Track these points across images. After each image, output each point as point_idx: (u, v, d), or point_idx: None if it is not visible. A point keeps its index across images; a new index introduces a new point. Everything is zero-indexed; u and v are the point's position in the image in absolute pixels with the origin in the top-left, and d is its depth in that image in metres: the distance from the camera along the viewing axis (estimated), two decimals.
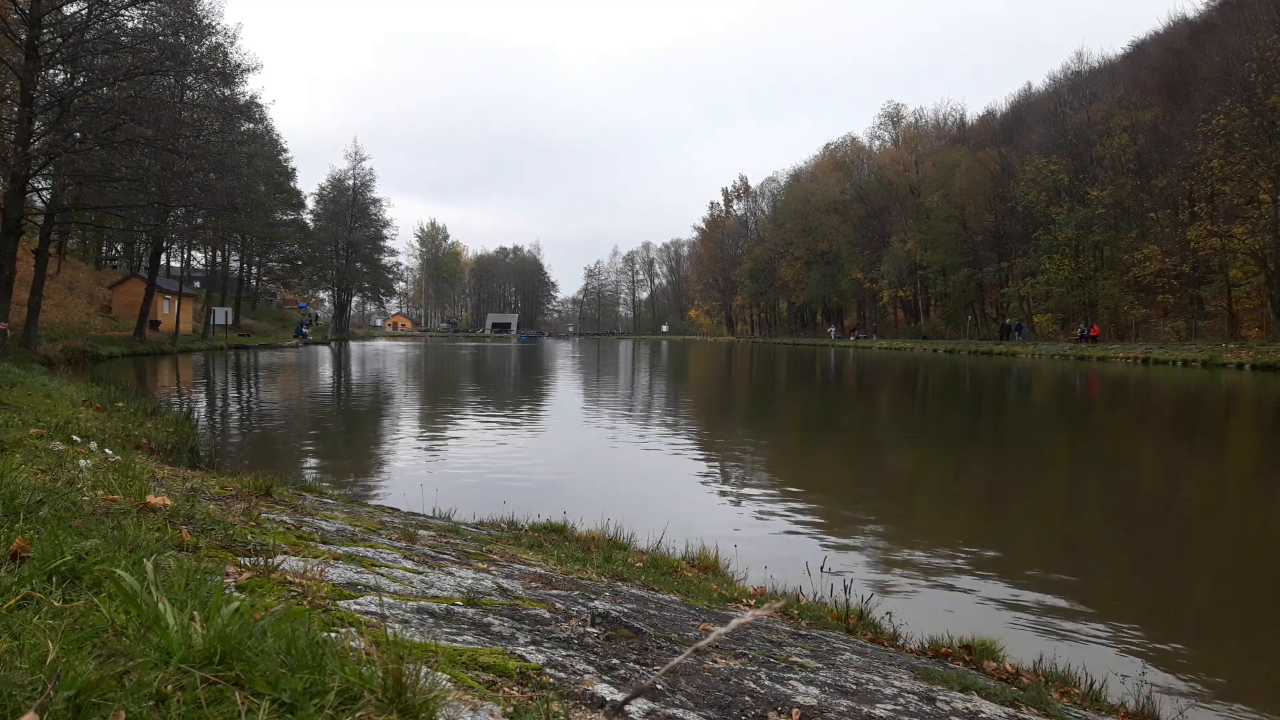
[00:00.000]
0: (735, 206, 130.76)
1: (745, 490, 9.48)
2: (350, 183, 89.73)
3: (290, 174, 71.35)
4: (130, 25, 26.42)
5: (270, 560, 2.43)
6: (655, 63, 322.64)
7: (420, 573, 3.00)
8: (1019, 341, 57.64)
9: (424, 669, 1.43)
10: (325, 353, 52.60)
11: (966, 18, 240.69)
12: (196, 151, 29.58)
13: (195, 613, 1.48)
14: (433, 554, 3.63)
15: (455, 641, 2.04)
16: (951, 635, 3.99)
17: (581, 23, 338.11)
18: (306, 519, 3.92)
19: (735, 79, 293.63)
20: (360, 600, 2.30)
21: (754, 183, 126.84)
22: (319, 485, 7.02)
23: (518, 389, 25.61)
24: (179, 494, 3.54)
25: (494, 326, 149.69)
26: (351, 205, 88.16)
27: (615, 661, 2.19)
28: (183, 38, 32.52)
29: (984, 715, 2.50)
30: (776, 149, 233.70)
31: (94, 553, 1.93)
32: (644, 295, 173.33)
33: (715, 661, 2.42)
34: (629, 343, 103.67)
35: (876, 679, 2.69)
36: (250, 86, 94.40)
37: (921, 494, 9.90)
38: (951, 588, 5.91)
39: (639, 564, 4.97)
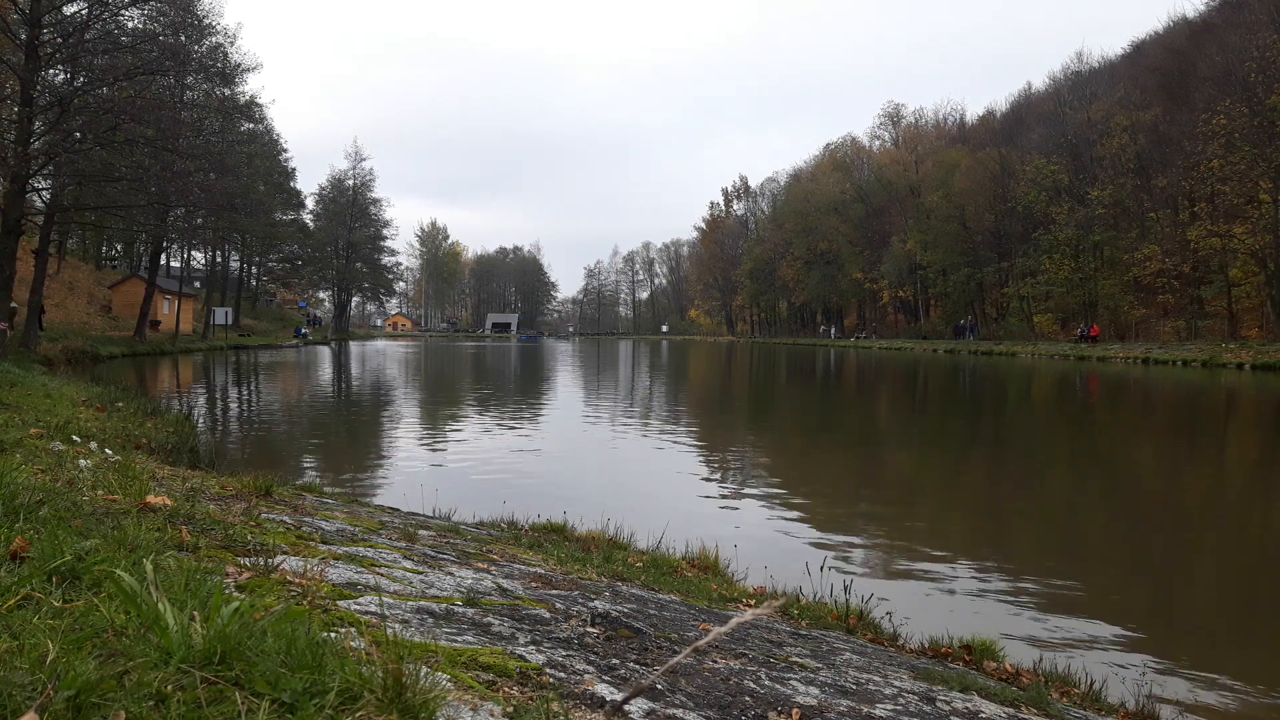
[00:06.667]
0: (735, 206, 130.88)
1: (745, 490, 9.48)
2: (350, 183, 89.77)
3: (290, 174, 71.36)
4: (130, 25, 26.43)
5: (270, 560, 2.43)
6: (657, 67, 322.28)
7: (420, 573, 3.00)
8: (970, 340, 62.73)
9: (424, 669, 1.43)
10: (325, 353, 52.59)
11: (967, 19, 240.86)
12: (196, 151, 29.59)
13: (195, 613, 1.48)
14: (433, 554, 3.63)
15: (455, 641, 2.04)
16: (951, 635, 3.99)
17: (585, 28, 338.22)
18: (306, 519, 3.92)
19: (736, 82, 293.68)
20: (360, 600, 2.30)
21: (754, 183, 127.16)
22: (319, 485, 7.02)
23: (518, 389, 25.61)
24: (179, 494, 3.54)
25: (494, 326, 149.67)
26: (351, 205, 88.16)
27: (615, 661, 2.19)
28: (183, 38, 32.56)
29: (984, 715, 2.50)
30: (776, 149, 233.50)
31: (94, 553, 1.93)
32: (644, 295, 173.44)
33: (715, 661, 2.42)
34: (629, 343, 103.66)
35: (876, 679, 2.69)
36: (250, 86, 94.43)
37: (922, 494, 9.90)
38: (951, 588, 5.91)
39: (639, 564, 4.97)
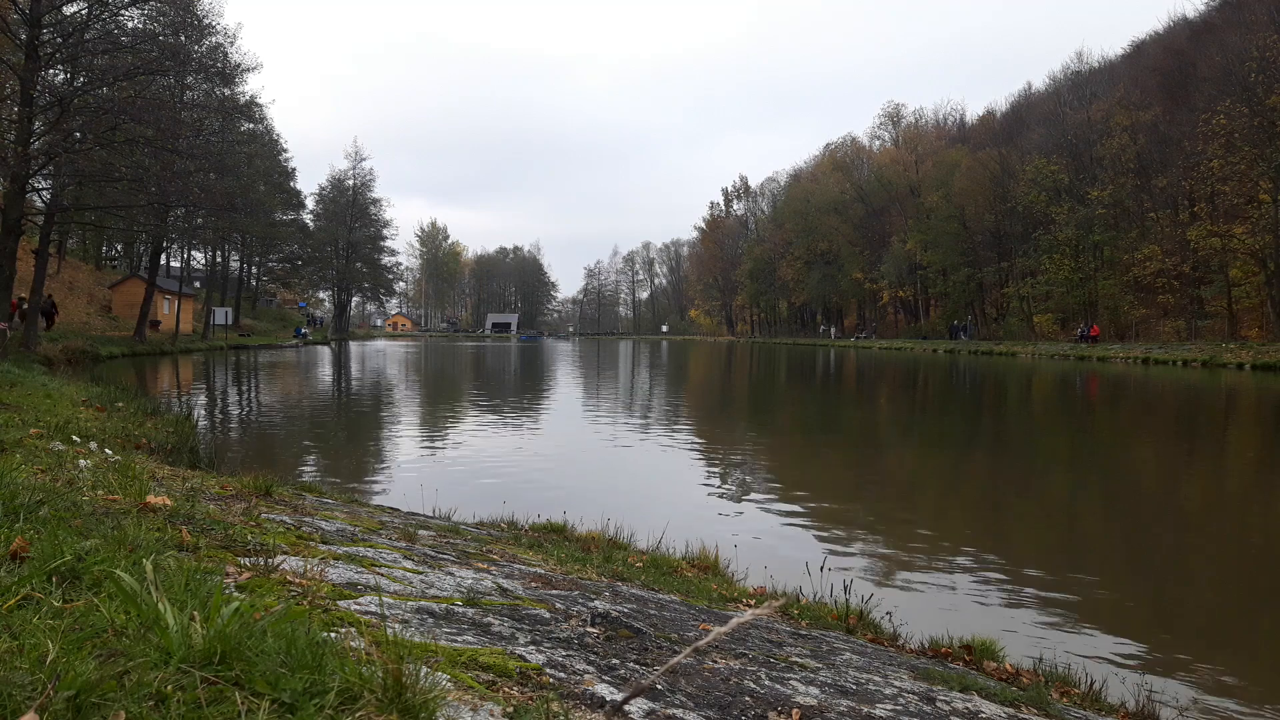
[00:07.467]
0: (735, 206, 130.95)
1: (745, 490, 9.47)
2: (350, 183, 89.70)
3: (290, 174, 71.31)
4: (130, 25, 26.40)
5: (270, 560, 2.43)
6: (658, 67, 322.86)
7: (420, 573, 3.00)
8: (964, 340, 65.12)
9: (424, 669, 1.43)
10: (325, 353, 52.59)
11: (967, 19, 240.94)
12: (196, 151, 29.54)
13: (195, 613, 1.48)
14: (433, 554, 3.63)
15: (455, 641, 2.04)
16: (951, 635, 3.99)
17: (586, 28, 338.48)
18: (306, 519, 3.91)
19: (736, 82, 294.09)
20: (360, 600, 2.30)
21: (754, 183, 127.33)
22: (319, 485, 7.02)
23: (518, 389, 25.60)
24: (179, 494, 3.54)
25: (494, 326, 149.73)
26: (351, 205, 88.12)
27: (615, 661, 2.19)
28: (183, 38, 32.50)
29: (984, 715, 2.50)
30: (777, 149, 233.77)
31: (94, 553, 1.93)
32: (644, 295, 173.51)
33: (715, 661, 2.42)
34: (629, 343, 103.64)
35: (876, 679, 2.69)
36: (250, 86, 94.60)
37: (922, 494, 9.90)
38: (951, 588, 5.91)
39: (639, 564, 4.97)
